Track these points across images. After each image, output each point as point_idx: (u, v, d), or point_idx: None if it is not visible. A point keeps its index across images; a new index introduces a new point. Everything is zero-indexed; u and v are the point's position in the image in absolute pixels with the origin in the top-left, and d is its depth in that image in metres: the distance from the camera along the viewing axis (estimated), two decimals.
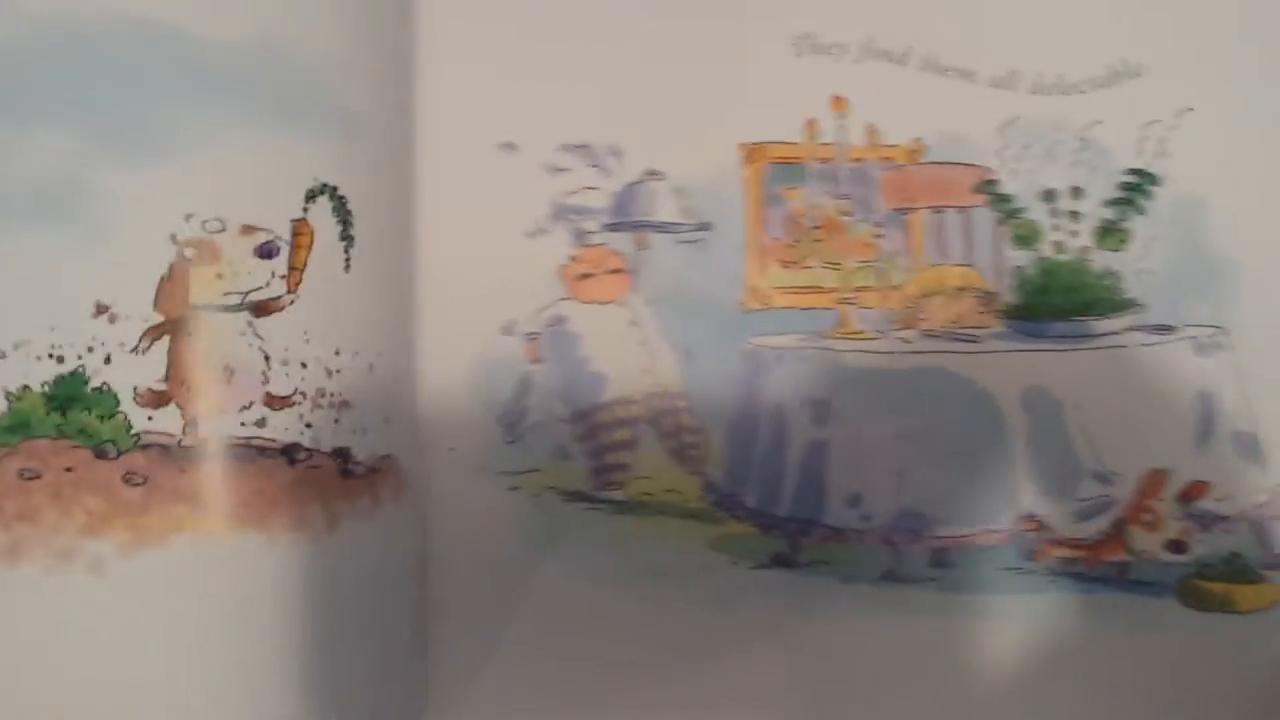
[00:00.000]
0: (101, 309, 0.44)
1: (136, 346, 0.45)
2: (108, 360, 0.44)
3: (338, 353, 0.47)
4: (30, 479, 0.44)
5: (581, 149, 0.54)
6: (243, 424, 0.45)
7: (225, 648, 0.45)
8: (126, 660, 0.44)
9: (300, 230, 0.46)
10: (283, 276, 0.46)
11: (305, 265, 0.46)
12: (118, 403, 0.45)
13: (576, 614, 0.53)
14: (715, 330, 0.54)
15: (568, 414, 0.54)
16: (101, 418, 0.45)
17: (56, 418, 0.45)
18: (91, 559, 0.44)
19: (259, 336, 0.46)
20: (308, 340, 0.46)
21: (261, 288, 0.46)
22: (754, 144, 0.55)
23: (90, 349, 0.44)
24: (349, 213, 0.47)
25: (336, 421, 0.47)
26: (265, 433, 0.46)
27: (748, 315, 0.55)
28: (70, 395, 0.45)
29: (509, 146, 0.54)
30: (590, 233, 0.55)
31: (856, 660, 0.53)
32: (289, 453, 0.46)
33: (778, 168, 0.55)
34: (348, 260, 0.47)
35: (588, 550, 0.53)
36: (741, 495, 0.54)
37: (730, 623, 0.53)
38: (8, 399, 0.44)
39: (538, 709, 0.53)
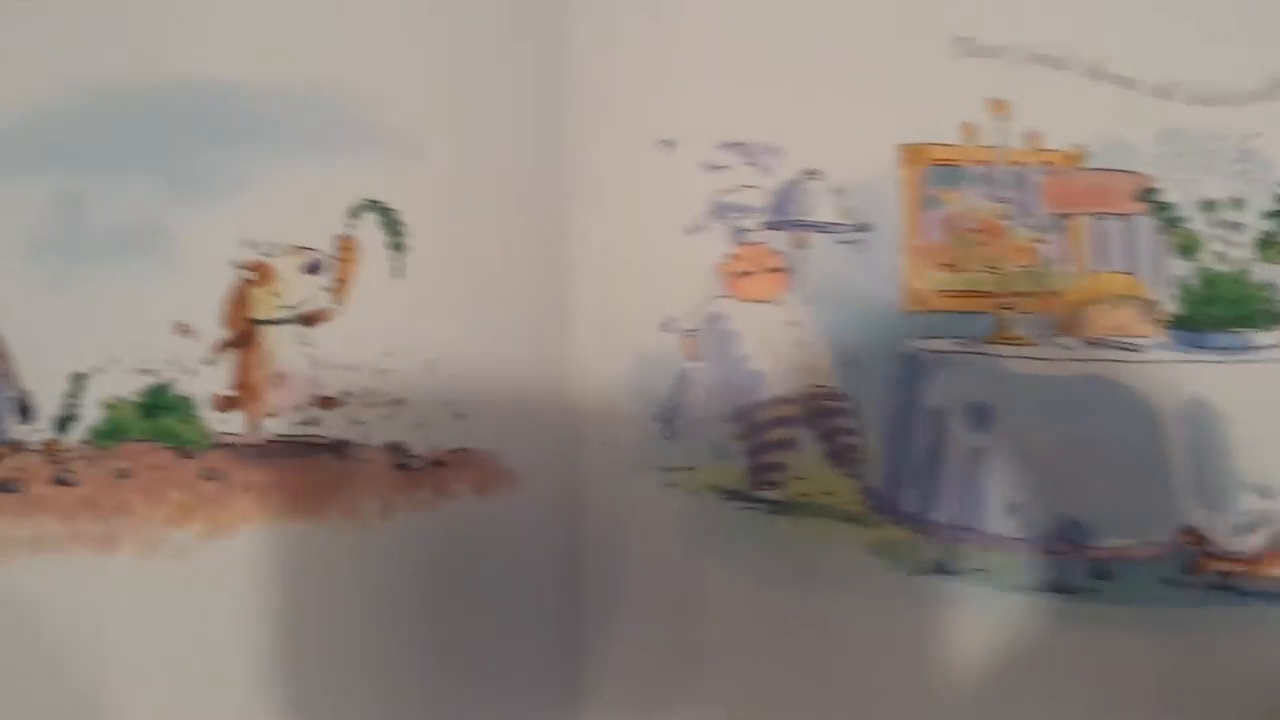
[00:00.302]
0: (181, 328, 0.51)
1: (210, 359, 0.51)
2: (188, 372, 0.51)
3: (388, 354, 0.51)
4: (124, 478, 0.51)
5: (740, 147, 0.54)
6: (297, 423, 0.51)
7: (288, 626, 0.50)
8: (207, 634, 0.50)
9: (345, 245, 0.52)
10: (330, 289, 0.52)
11: (351, 277, 0.52)
12: (197, 409, 0.51)
13: (730, 612, 0.52)
14: (873, 331, 0.53)
15: (725, 412, 0.53)
16: (183, 422, 0.52)
17: (147, 423, 0.51)
18: (176, 547, 0.50)
19: (309, 345, 0.52)
20: (356, 345, 0.52)
21: (310, 300, 0.52)
22: (913, 145, 0.54)
23: (172, 363, 0.51)
24: (399, 225, 0.51)
25: (387, 418, 0.51)
26: (318, 431, 0.52)
27: (906, 317, 0.54)
28: (158, 404, 0.51)
29: (667, 144, 0.54)
30: (749, 231, 0.54)
31: (1014, 670, 0.52)
32: (338, 448, 0.51)
33: (937, 169, 0.55)
34: (400, 268, 0.51)
35: (744, 550, 0.52)
36: (899, 499, 0.53)
37: (886, 628, 0.52)
38: (105, 408, 0.51)
39: (688, 702, 0.52)
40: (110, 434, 0.51)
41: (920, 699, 0.51)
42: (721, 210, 0.54)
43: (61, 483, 0.51)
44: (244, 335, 0.51)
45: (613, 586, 0.52)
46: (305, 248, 0.51)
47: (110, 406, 0.51)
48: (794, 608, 0.52)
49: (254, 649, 0.50)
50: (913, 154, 0.54)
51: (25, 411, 0.51)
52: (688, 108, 0.54)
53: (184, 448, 0.51)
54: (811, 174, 0.54)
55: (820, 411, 0.54)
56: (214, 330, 0.52)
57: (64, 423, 0.51)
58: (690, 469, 0.53)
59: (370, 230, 0.51)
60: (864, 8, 0.55)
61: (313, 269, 0.51)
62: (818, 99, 0.54)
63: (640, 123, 0.54)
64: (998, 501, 0.52)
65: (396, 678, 0.50)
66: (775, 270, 0.54)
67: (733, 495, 0.53)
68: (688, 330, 0.53)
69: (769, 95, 0.54)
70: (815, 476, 0.53)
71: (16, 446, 0.51)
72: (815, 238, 0.54)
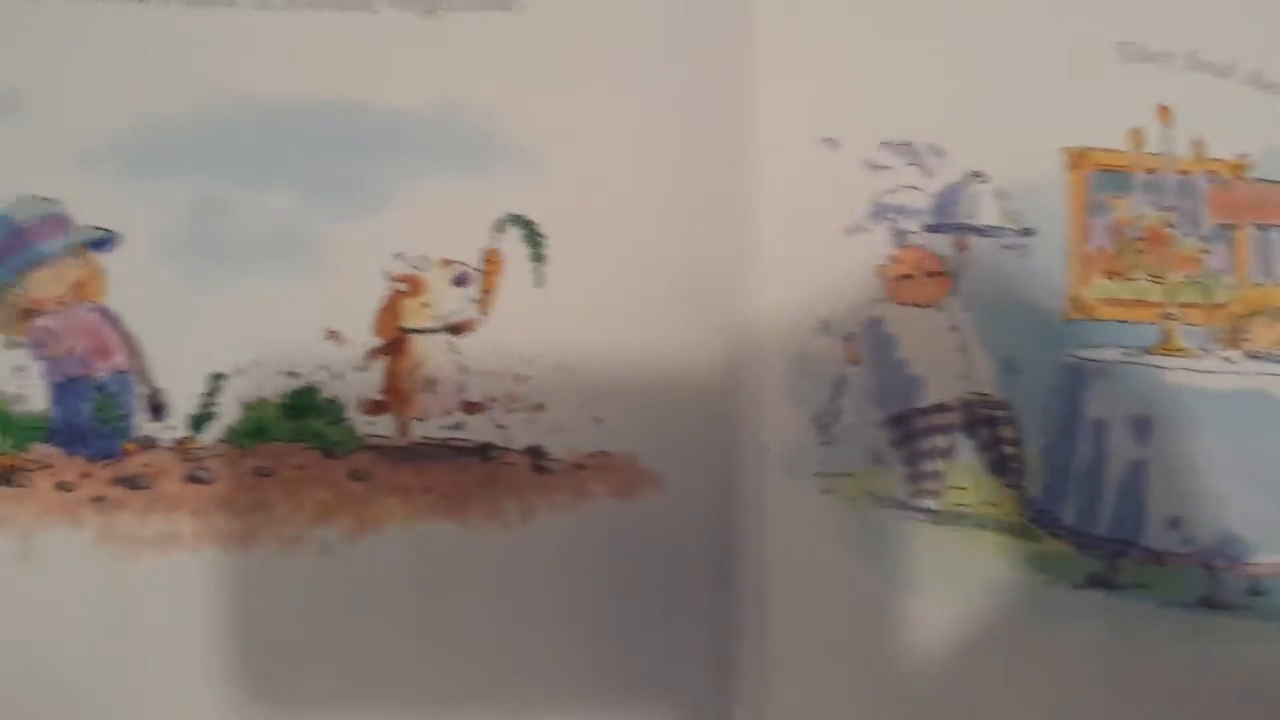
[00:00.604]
0: (331, 334, 0.53)
1: (360, 365, 0.52)
2: (337, 376, 0.52)
3: (530, 361, 0.52)
4: (264, 476, 0.52)
5: (903, 147, 0.53)
6: (443, 427, 0.53)
7: (429, 621, 0.51)
8: (352, 627, 0.51)
9: (490, 258, 0.53)
10: (476, 300, 0.53)
11: (496, 288, 0.53)
12: (344, 411, 0.53)
13: (884, 621, 0.51)
14: (1035, 339, 0.53)
15: (883, 417, 0.53)
16: (331, 423, 0.52)
17: (291, 424, 0.52)
18: (320, 543, 0.51)
19: (457, 353, 0.53)
20: (500, 353, 0.53)
21: (458, 311, 0.53)
22: (1079, 149, 0.54)
23: (322, 367, 0.52)
24: (540, 236, 0.53)
25: (529, 423, 0.52)
26: (463, 434, 0.53)
27: (1069, 325, 0.53)
28: (304, 405, 0.52)
29: (830, 142, 0.53)
30: (910, 233, 0.53)
31: (1171, 685, 0.51)
32: (482, 451, 0.52)
33: (1102, 175, 0.54)
34: (540, 278, 0.53)
35: (899, 558, 0.52)
36: (1059, 512, 0.52)
37: (1045, 642, 0.51)
38: (245, 408, 0.52)
39: (839, 708, 0.51)
40: (250, 434, 0.52)
41: (1075, 713, 0.51)
42: (883, 211, 0.53)
43: (195, 480, 0.51)
44: (394, 343, 0.53)
45: (762, 592, 0.51)
46: (453, 260, 0.53)
47: (250, 407, 0.52)
48: (949, 619, 0.51)
49: (397, 643, 0.51)
50: (1078, 158, 0.54)
51: (157, 409, 0.52)
52: (851, 106, 0.53)
53: (330, 449, 0.52)
54: (975, 176, 0.54)
55: (980, 420, 0.53)
56: (362, 337, 0.53)
57: (200, 421, 0.52)
58: (847, 475, 0.52)
59: (513, 242, 0.52)
60: (1029, 8, 0.54)
61: (461, 281, 0.53)
62: (982, 100, 0.54)
63: (802, 120, 0.53)
64: (1158, 516, 0.52)
65: (537, 678, 0.51)
66: (935, 274, 0.54)
67: (889, 503, 0.52)
68: (847, 333, 0.53)
69: (933, 94, 0.54)
70: (974, 486, 0.53)
71: (148, 444, 0.52)
72: (977, 241, 0.54)
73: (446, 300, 0.53)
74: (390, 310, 0.53)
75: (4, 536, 0.50)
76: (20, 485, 0.51)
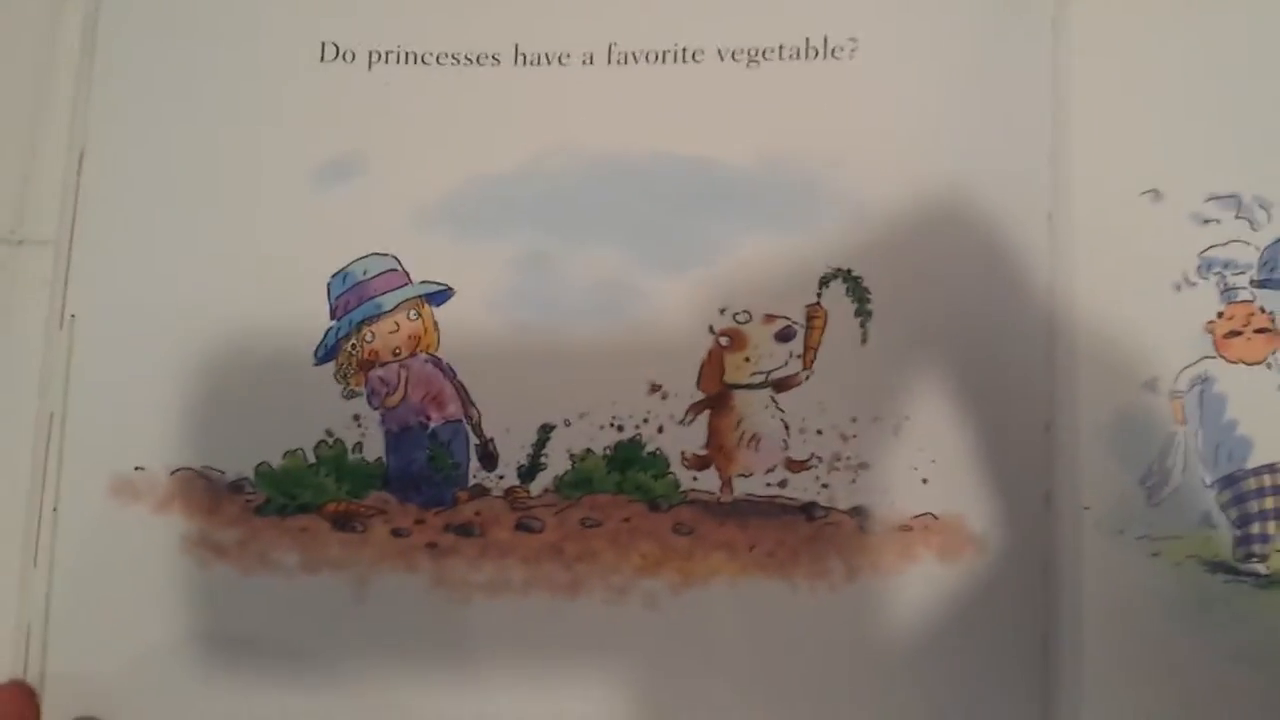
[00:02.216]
0: (655, 387, 0.53)
1: (683, 419, 0.53)
2: (660, 430, 0.53)
3: (854, 419, 0.52)
4: (591, 527, 0.52)
5: (1230, 199, 0.52)
6: (768, 484, 0.53)
7: (755, 677, 0.52)
8: (672, 682, 0.52)
9: (814, 314, 0.53)
10: (799, 356, 0.53)
11: (819, 344, 0.53)
12: (668, 465, 0.53)
13: (1210, 688, 0.50)
14: None
15: (1213, 479, 0.51)
16: (655, 477, 0.53)
17: (616, 476, 0.53)
18: (646, 594, 0.52)
19: (780, 409, 0.53)
20: (823, 410, 0.52)
21: (782, 366, 0.53)
22: None
23: (645, 420, 0.53)
24: (865, 290, 0.52)
25: (853, 482, 0.52)
26: (786, 492, 0.52)
27: None
28: (629, 458, 0.53)
29: (1155, 194, 0.52)
30: (1238, 288, 0.52)
31: None
32: (807, 510, 0.52)
33: None
34: (864, 334, 0.52)
35: (1227, 625, 0.50)
36: None
37: None
38: (572, 460, 0.53)
39: None
40: (576, 485, 0.52)
41: None
42: (1210, 265, 0.52)
43: (524, 529, 0.52)
44: (718, 398, 0.53)
45: (1085, 657, 0.50)
46: (777, 315, 0.52)
47: (577, 458, 0.52)
48: (1275, 688, 0.49)
49: (725, 697, 0.52)
50: None
51: (489, 459, 0.53)
52: (1177, 157, 0.52)
53: (654, 502, 0.52)
54: None
55: None
56: (689, 391, 0.53)
57: (529, 471, 0.53)
58: (1175, 538, 0.51)
59: (837, 297, 0.52)
60: None
61: (785, 336, 0.52)
62: None
63: (1128, 172, 0.52)
64: None
65: None
66: (1264, 331, 0.52)
67: (1218, 567, 0.51)
68: (1174, 391, 0.51)
69: (1259, 145, 0.52)
70: None
71: (479, 492, 0.53)
72: None
73: (770, 356, 0.53)
74: (713, 365, 0.53)
75: (342, 579, 0.52)
76: (357, 530, 0.52)
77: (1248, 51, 0.53)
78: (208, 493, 0.53)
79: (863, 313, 0.52)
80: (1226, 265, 0.52)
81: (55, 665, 0.53)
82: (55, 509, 0.53)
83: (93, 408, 0.54)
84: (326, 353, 0.54)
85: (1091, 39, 0.53)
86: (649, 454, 0.53)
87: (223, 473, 0.53)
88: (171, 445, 0.53)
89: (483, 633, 0.52)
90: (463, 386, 0.53)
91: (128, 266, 0.54)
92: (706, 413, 0.53)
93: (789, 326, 0.53)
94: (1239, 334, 0.52)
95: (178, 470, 0.53)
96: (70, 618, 0.53)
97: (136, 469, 0.53)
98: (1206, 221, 0.52)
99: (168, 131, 0.55)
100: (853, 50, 0.54)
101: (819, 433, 0.52)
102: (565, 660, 0.51)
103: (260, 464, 0.53)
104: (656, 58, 0.55)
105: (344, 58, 0.55)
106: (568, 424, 0.53)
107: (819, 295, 0.53)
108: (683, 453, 0.53)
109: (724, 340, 0.53)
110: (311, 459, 0.53)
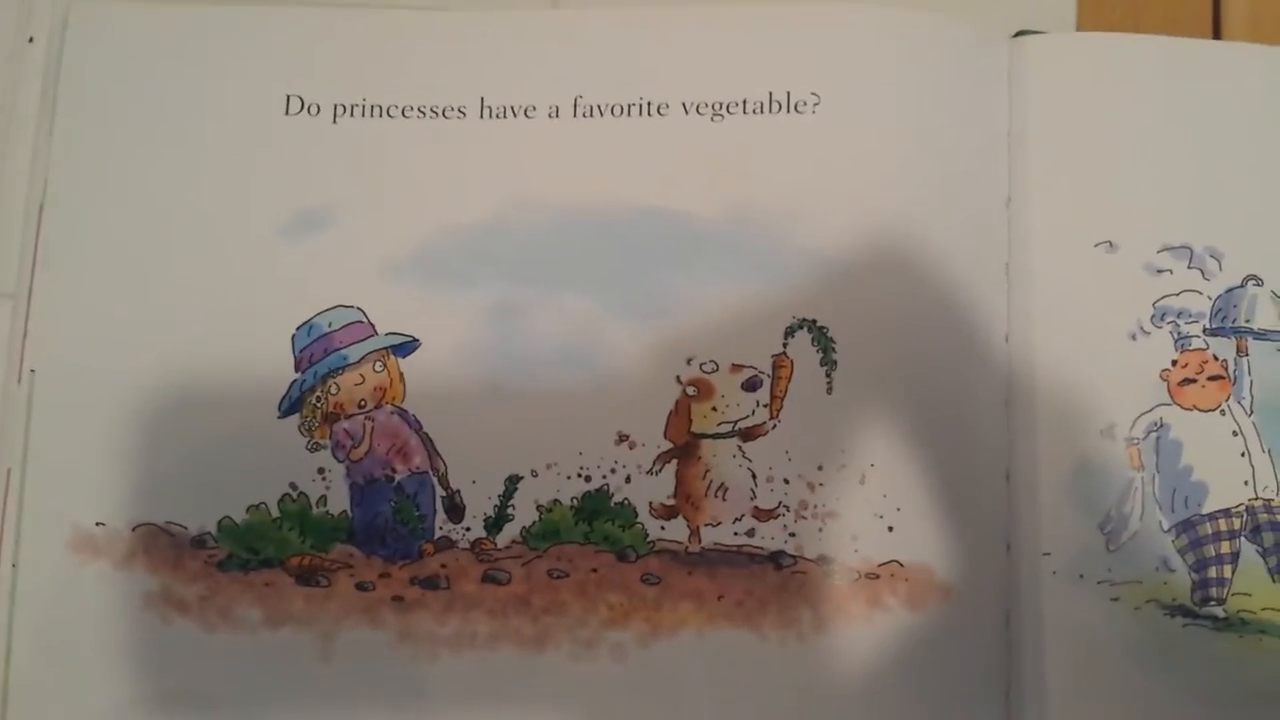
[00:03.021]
0: (622, 437, 0.53)
1: (651, 469, 0.53)
2: (628, 480, 0.53)
3: (821, 468, 0.52)
4: (558, 578, 0.52)
5: (1182, 250, 0.53)
6: (735, 534, 0.53)
7: None
8: None
9: (780, 363, 0.53)
10: (766, 405, 0.53)
11: (786, 393, 0.53)
12: (636, 515, 0.53)
13: None
14: None
15: (1170, 524, 0.52)
16: (623, 527, 0.53)
17: (584, 526, 0.53)
18: (614, 647, 0.52)
19: (747, 458, 0.53)
20: (790, 459, 0.53)
21: (749, 416, 0.53)
22: None
23: (613, 470, 0.53)
24: (830, 340, 0.53)
25: (820, 530, 0.52)
26: (754, 541, 0.52)
27: None
28: (596, 508, 0.53)
29: (1109, 245, 0.54)
30: (1192, 336, 0.53)
31: None
32: (775, 559, 0.52)
33: None
34: (830, 383, 0.53)
35: (1189, 669, 0.51)
36: None
37: None
38: (539, 510, 0.52)
39: None
40: (544, 535, 0.52)
41: None
42: (1164, 315, 0.53)
43: (491, 580, 0.52)
44: (685, 447, 0.53)
45: (1048, 700, 0.51)
46: (743, 365, 0.53)
47: (545, 509, 0.52)
48: None
49: None
50: None
51: (454, 510, 0.53)
52: (1130, 209, 0.54)
53: (622, 552, 0.52)
54: (1252, 279, 0.54)
55: (1264, 525, 0.52)
56: (656, 440, 0.53)
57: (496, 523, 0.53)
58: (1135, 582, 0.52)
59: (802, 347, 0.53)
60: None
61: (751, 386, 0.53)
62: (1259, 202, 0.54)
63: (1083, 224, 0.53)
64: None
65: None
66: (1217, 378, 0.53)
67: (1177, 610, 0.51)
68: (1130, 438, 0.52)
69: (1212, 197, 0.54)
70: (1258, 592, 0.52)
71: (446, 544, 0.53)
72: (1254, 345, 0.53)
73: (737, 405, 0.53)
74: (680, 414, 0.53)
75: (306, 636, 0.52)
76: (321, 585, 0.52)
77: (1198, 106, 0.55)
78: (170, 548, 0.52)
79: (828, 362, 0.53)
80: (1180, 314, 0.53)
81: None
82: (14, 565, 0.52)
83: (52, 463, 0.53)
84: (291, 405, 0.53)
85: (1046, 94, 0.55)
86: (617, 504, 0.53)
87: (185, 528, 0.53)
88: (132, 500, 0.53)
89: (449, 690, 0.51)
90: (428, 438, 0.53)
91: (88, 320, 0.54)
92: (674, 462, 0.53)
93: (755, 376, 0.53)
94: (1193, 381, 0.53)
95: (139, 526, 0.53)
96: (30, 675, 0.52)
97: (97, 524, 0.52)
98: (1160, 271, 0.54)
99: (130, 184, 0.55)
100: (815, 105, 0.54)
101: (786, 481, 0.52)
102: (531, 716, 0.51)
103: (223, 518, 0.53)
104: (622, 111, 0.55)
105: (309, 110, 0.55)
106: (535, 475, 0.53)
107: (785, 345, 0.53)
108: (650, 503, 0.53)
109: (691, 390, 0.53)
110: (275, 513, 0.53)
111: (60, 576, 0.52)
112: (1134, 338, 0.53)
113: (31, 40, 0.57)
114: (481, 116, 0.55)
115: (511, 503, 0.53)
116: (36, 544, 0.52)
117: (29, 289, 0.54)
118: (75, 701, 0.51)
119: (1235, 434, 0.53)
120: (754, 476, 0.53)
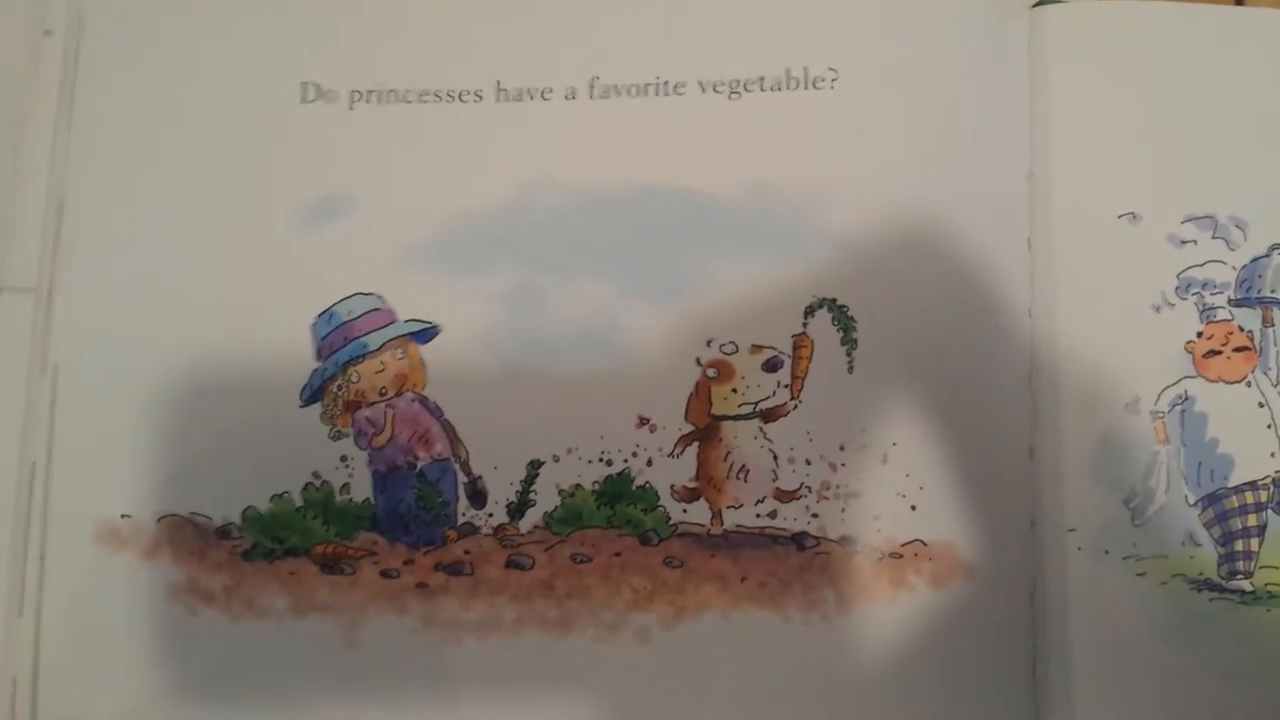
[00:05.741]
0: (643, 421, 0.53)
1: (672, 452, 0.53)
2: (649, 463, 0.53)
3: (842, 448, 0.52)
4: (581, 562, 0.52)
5: (1206, 220, 0.53)
6: (758, 515, 0.52)
7: (748, 709, 0.51)
8: (665, 714, 0.52)
9: (800, 343, 0.53)
10: (786, 386, 0.53)
11: (807, 373, 0.53)
12: (658, 498, 0.53)
13: (1203, 709, 0.50)
14: None
15: (1196, 498, 0.52)
16: (645, 510, 0.53)
17: (606, 510, 0.53)
18: (637, 630, 0.52)
19: (769, 440, 0.53)
20: (812, 439, 0.52)
21: (769, 397, 0.53)
22: None
23: (634, 453, 0.53)
24: (850, 319, 0.52)
25: (843, 511, 0.52)
26: (776, 523, 0.52)
27: None
28: (618, 492, 0.53)
29: (1132, 217, 0.53)
30: (1217, 308, 0.53)
31: None
32: (798, 540, 0.52)
33: None
34: (850, 362, 0.52)
35: (1216, 643, 0.50)
36: None
37: None
38: (561, 495, 0.52)
39: None
40: (566, 520, 0.52)
41: None
42: (1188, 286, 0.52)
43: (515, 566, 0.52)
44: (706, 430, 0.53)
45: (1074, 677, 0.50)
46: (764, 346, 0.52)
47: (567, 494, 0.52)
48: (1263, 707, 0.50)
49: None
50: None
51: (478, 497, 0.53)
52: (1153, 179, 0.53)
53: (644, 536, 0.52)
54: (1277, 248, 0.53)
55: None
56: (676, 423, 0.53)
57: (518, 508, 0.53)
58: (1161, 557, 0.51)
59: (822, 326, 0.52)
60: None
61: (772, 367, 0.52)
62: None
63: (1105, 196, 0.53)
64: None
65: None
66: (1243, 349, 0.52)
67: (1203, 585, 0.51)
68: (1155, 411, 0.52)
69: (1236, 166, 0.53)
70: None
71: (468, 531, 0.53)
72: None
73: (757, 386, 0.53)
74: (701, 397, 0.53)
75: (331, 624, 0.52)
76: (346, 573, 0.52)
77: (1221, 74, 0.54)
78: (195, 539, 0.53)
79: (849, 341, 0.52)
80: (1204, 285, 0.53)
81: (44, 716, 0.52)
82: (42, 558, 0.52)
83: (77, 456, 0.53)
84: (312, 394, 0.53)
85: (1067, 64, 0.54)
86: (638, 488, 0.52)
87: (209, 518, 0.53)
88: (157, 492, 0.53)
89: (474, 674, 0.51)
90: (450, 424, 0.53)
91: (110, 312, 0.54)
92: (695, 445, 0.53)
93: (776, 357, 0.53)
94: (1218, 353, 0.52)
95: (164, 517, 0.53)
96: (58, 667, 0.52)
97: (123, 516, 0.53)
98: (1184, 242, 0.53)
99: (149, 175, 0.55)
100: (833, 80, 0.54)
101: (808, 462, 0.52)
102: (556, 700, 0.51)
103: (247, 508, 0.53)
104: (638, 91, 0.55)
105: (325, 98, 0.55)
106: (556, 459, 0.53)
107: (805, 325, 0.53)
108: (672, 486, 0.53)
109: (711, 372, 0.53)
110: (299, 502, 0.53)
111: (87, 569, 0.52)
112: (1158, 310, 0.53)
113: (49, 33, 0.56)
114: (498, 100, 0.55)
115: (533, 488, 0.53)
116: (63, 537, 0.53)
117: (51, 282, 0.54)
118: (104, 692, 0.52)
119: (1261, 405, 0.52)
120: (775, 458, 0.52)
